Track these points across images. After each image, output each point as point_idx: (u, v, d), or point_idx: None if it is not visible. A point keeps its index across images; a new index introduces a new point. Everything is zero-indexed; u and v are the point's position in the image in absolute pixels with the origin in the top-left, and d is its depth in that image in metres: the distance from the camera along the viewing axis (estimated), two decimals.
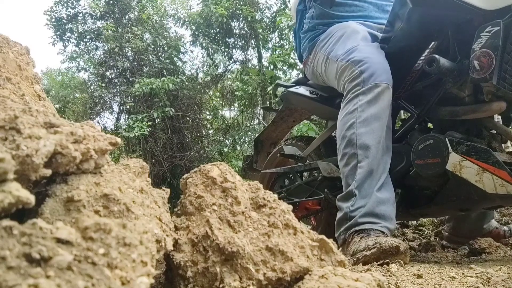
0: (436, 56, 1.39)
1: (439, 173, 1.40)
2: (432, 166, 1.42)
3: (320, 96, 1.97)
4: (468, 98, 1.45)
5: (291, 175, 2.09)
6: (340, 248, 1.39)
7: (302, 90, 2.04)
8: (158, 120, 7.34)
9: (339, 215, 1.44)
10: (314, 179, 1.93)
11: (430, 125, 1.71)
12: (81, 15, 8.32)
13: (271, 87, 6.65)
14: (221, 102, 9.03)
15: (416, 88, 1.64)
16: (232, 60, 8.47)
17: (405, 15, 1.53)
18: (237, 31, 8.13)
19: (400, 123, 1.83)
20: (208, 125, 8.93)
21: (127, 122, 7.50)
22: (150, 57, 7.59)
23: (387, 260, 1.14)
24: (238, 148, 8.74)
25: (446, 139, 1.40)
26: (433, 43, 1.57)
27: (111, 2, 7.89)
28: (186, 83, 8.03)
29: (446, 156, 1.38)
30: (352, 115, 1.49)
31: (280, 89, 2.27)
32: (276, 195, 0.69)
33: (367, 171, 1.41)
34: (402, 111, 2.18)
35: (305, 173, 2.14)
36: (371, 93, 1.47)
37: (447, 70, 1.40)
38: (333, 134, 1.99)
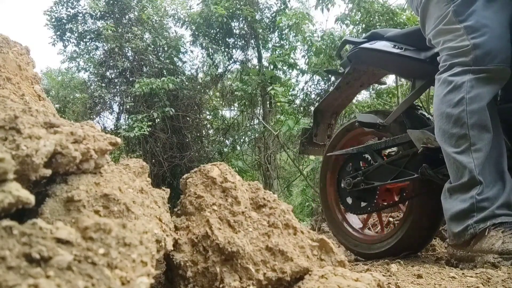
0: None
1: None
2: None
3: (405, 50, 1.65)
4: None
5: (366, 156, 1.79)
6: (452, 243, 1.28)
7: (379, 45, 1.74)
8: (158, 120, 7.33)
9: (457, 206, 1.26)
10: (400, 156, 1.65)
11: None
12: (81, 15, 8.31)
13: (271, 87, 6.63)
14: (221, 102, 9.02)
15: None
16: (232, 60, 8.46)
17: None
18: (237, 31, 8.12)
19: None
20: (208, 125, 8.93)
21: (127, 122, 7.49)
22: (150, 57, 7.58)
23: None
24: (238, 148, 8.74)
25: None
26: None
27: (111, 2, 7.89)
28: (186, 83, 8.02)
29: None
30: (460, 89, 1.27)
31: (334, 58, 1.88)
32: (275, 195, 0.69)
33: (486, 154, 1.22)
34: None
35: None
36: (483, 74, 1.25)
37: None
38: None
